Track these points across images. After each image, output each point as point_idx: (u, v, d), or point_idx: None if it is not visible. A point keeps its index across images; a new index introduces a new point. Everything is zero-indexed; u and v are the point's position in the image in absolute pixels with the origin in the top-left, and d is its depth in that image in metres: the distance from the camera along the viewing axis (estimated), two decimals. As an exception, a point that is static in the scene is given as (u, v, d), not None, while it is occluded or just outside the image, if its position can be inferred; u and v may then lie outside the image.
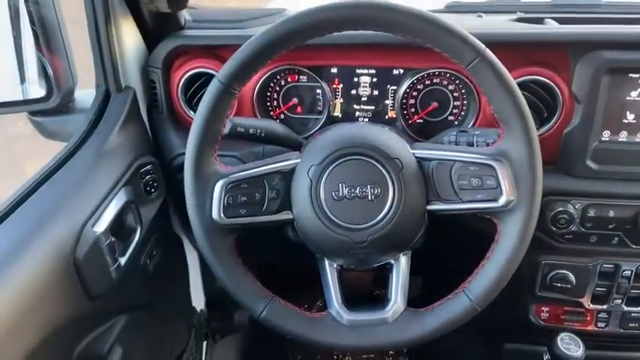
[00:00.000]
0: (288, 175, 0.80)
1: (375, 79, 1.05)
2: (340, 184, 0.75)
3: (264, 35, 0.73)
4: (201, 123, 0.75)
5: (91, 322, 0.85)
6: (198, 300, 1.41)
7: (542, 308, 1.13)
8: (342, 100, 1.08)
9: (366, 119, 1.08)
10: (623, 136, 0.92)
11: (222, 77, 0.74)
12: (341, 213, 0.76)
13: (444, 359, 1.53)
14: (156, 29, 1.03)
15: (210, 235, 0.77)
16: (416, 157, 0.78)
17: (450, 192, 0.76)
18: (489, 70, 0.71)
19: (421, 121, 1.05)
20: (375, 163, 0.75)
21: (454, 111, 1.04)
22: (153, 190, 1.01)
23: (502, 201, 0.73)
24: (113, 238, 0.84)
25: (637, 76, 0.88)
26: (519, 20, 1.02)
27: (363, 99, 1.07)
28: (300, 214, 0.78)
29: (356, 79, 1.06)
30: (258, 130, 0.88)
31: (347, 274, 0.83)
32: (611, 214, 0.94)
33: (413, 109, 1.05)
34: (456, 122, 1.04)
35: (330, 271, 0.81)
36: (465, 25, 0.95)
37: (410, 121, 1.06)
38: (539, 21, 1.01)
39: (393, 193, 0.75)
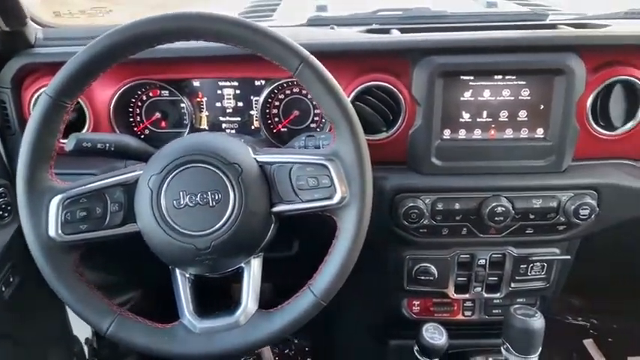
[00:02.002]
0: (131, 187, 0.79)
1: (238, 91, 1.08)
2: (181, 192, 0.76)
3: (88, 49, 0.73)
4: (31, 138, 0.74)
5: None
6: (82, 327, 1.35)
7: (414, 302, 1.18)
8: (207, 113, 1.09)
9: (233, 130, 1.10)
10: (462, 134, 1.00)
11: (50, 91, 0.73)
12: (183, 221, 0.76)
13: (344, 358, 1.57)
14: (4, 48, 1.00)
15: (48, 254, 0.75)
16: (258, 162, 0.80)
17: (290, 193, 0.79)
18: (314, 75, 0.75)
19: (285, 129, 1.09)
20: (213, 169, 0.77)
21: (315, 118, 1.08)
22: (6, 214, 0.97)
23: (336, 198, 0.77)
24: (-52, 266, 0.80)
25: (467, 78, 0.96)
26: (368, 31, 1.09)
27: (229, 111, 1.09)
28: (144, 225, 0.78)
29: (219, 92, 1.08)
30: (107, 145, 0.87)
31: None
32: (457, 206, 1.00)
33: (276, 119, 1.08)
34: (318, 129, 1.09)
35: (181, 280, 0.81)
36: (313, 36, 1.01)
37: (274, 130, 1.09)
38: (386, 32, 1.07)
39: (234, 197, 0.76)
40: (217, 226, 0.76)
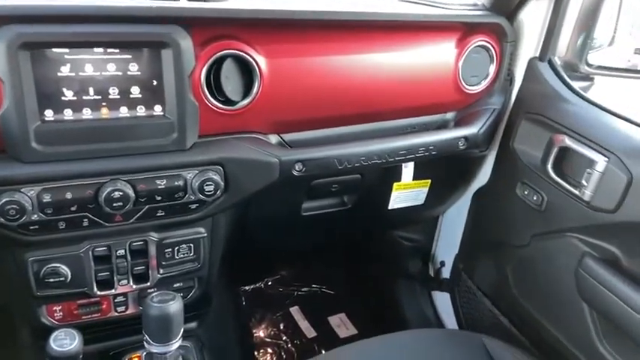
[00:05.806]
0: None
1: None
2: None
3: None
4: None
5: None
6: None
7: (54, 308, 1.05)
8: None
9: None
10: (68, 114, 0.88)
11: None
12: None
13: None
14: None
15: None
16: None
17: None
18: None
19: None
20: None
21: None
22: None
23: None
24: None
25: (61, 51, 0.85)
26: None
27: None
28: None
29: None
30: None
31: None
32: (69, 195, 0.89)
33: None
34: None
35: None
36: None
37: None
38: None
39: None
40: None
